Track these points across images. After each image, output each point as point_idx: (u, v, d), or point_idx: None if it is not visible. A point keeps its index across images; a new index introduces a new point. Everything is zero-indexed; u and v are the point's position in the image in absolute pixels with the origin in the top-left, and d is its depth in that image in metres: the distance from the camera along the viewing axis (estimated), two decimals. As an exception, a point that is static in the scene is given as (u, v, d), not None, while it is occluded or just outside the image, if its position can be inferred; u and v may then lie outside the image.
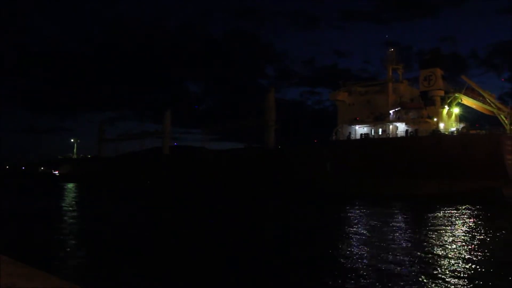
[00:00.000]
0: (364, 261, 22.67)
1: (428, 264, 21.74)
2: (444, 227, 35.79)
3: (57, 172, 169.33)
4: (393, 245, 27.56)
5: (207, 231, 33.42)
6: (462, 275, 19.54)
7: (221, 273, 20.00)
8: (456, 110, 78.42)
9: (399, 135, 75.82)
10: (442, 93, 76.92)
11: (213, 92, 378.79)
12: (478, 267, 21.23)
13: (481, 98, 73.34)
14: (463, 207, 53.03)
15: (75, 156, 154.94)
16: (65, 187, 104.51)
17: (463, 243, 28.32)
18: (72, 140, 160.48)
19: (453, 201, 58.73)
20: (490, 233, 33.13)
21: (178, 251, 25.29)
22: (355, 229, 35.58)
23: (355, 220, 42.93)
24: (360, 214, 48.81)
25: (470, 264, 21.70)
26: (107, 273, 19.73)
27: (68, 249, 26.31)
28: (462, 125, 77.60)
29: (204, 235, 31.38)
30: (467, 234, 32.30)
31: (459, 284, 18.02)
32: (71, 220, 40.53)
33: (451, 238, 30.38)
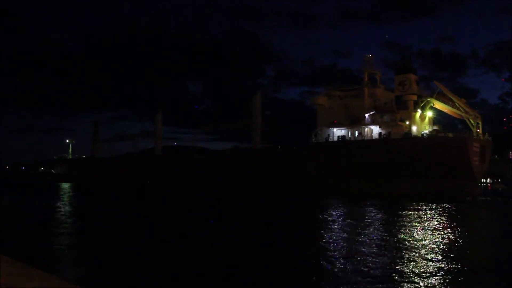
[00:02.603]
0: (341, 258, 24.14)
1: (402, 257, 23.86)
2: (414, 222, 39.73)
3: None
4: (369, 240, 30.11)
5: (198, 231, 34.06)
6: (431, 268, 21.29)
7: (219, 273, 20.37)
8: (429, 114, 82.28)
9: (374, 138, 79.72)
10: (415, 97, 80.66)
11: (212, 92, 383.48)
12: (446, 257, 23.78)
13: (451, 103, 77.10)
14: (433, 205, 56.31)
15: (70, 157, 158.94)
16: (60, 187, 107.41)
17: (430, 235, 31.91)
18: (67, 141, 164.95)
19: (425, 200, 62.12)
20: (455, 227, 37.15)
21: (177, 251, 25.70)
22: (335, 226, 38.32)
23: (334, 217, 45.81)
24: (339, 211, 52.09)
25: (439, 256, 24.06)
26: (107, 273, 19.94)
27: (68, 249, 26.42)
28: (434, 128, 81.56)
29: (199, 235, 31.89)
30: (436, 229, 35.74)
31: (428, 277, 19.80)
32: (69, 220, 40.95)
33: (420, 231, 34.17)
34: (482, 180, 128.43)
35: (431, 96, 79.26)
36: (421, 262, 22.49)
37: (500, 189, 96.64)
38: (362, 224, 37.79)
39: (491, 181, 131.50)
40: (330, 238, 31.03)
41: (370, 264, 21.87)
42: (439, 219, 42.06)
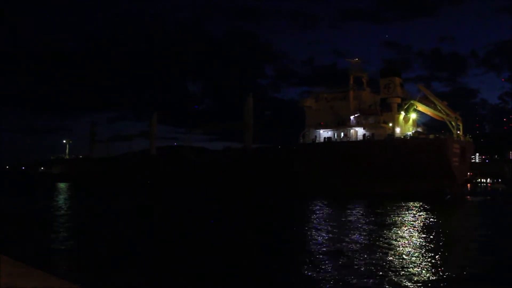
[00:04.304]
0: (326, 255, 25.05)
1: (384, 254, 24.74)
2: (396, 220, 41.85)
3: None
4: (353, 236, 31.60)
5: (198, 231, 34.11)
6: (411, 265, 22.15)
7: (219, 273, 20.50)
8: (413, 116, 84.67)
9: (359, 139, 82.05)
10: (399, 100, 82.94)
11: (212, 92, 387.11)
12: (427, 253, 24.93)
13: (432, 105, 79.51)
14: (416, 204, 58.25)
15: (67, 157, 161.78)
16: (58, 187, 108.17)
17: (412, 232, 33.63)
18: (64, 141, 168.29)
19: (408, 199, 63.53)
20: (434, 224, 39.15)
21: (177, 251, 25.92)
22: (321, 223, 39.71)
23: (321, 215, 47.49)
24: (326, 210, 53.91)
25: (420, 253, 25.08)
26: (107, 273, 19.98)
27: (68, 249, 26.48)
28: (418, 129, 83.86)
29: (199, 235, 32.02)
30: (418, 226, 37.52)
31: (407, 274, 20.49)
32: (69, 220, 41.06)
33: (400, 229, 35.94)
34: (483, 180, 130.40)
35: (414, 99, 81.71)
36: (399, 256, 24.08)
37: (500, 189, 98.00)
38: (353, 224, 39.21)
39: (491, 181, 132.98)
40: (323, 237, 31.99)
41: (362, 262, 22.96)
42: (417, 218, 43.91)
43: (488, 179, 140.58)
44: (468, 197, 74.56)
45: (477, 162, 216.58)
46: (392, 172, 71.45)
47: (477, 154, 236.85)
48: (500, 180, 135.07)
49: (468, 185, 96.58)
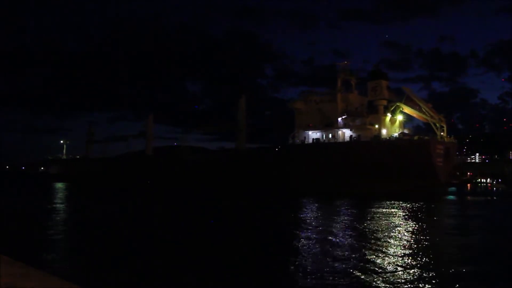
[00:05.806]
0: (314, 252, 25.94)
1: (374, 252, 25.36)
2: (380, 219, 43.37)
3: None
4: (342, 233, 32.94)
5: (198, 231, 34.34)
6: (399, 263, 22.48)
7: (219, 273, 20.56)
8: (400, 117, 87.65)
9: (346, 140, 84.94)
10: (385, 102, 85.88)
11: (211, 92, 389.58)
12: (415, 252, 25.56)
13: (417, 107, 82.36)
14: (403, 203, 60.23)
15: (64, 157, 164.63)
16: (55, 187, 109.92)
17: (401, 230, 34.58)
18: (61, 142, 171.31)
19: (392, 199, 65.42)
20: (420, 222, 40.71)
21: (176, 251, 26.11)
22: (313, 222, 41.01)
23: (314, 213, 49.33)
24: (317, 208, 56.03)
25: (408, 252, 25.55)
26: (107, 273, 20.07)
27: (68, 249, 26.83)
28: (404, 131, 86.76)
29: (199, 235, 32.23)
30: (406, 225, 38.63)
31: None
32: (69, 220, 41.58)
33: (387, 227, 37.12)
34: (483, 180, 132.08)
35: (400, 101, 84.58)
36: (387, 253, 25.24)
37: (500, 189, 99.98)
38: (348, 222, 41.04)
39: (491, 181, 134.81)
40: (320, 235, 32.84)
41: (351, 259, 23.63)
42: (401, 216, 46.23)
43: (488, 179, 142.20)
44: (468, 197, 76.88)
45: (477, 162, 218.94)
46: (381, 172, 73.95)
47: (477, 154, 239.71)
48: (500, 180, 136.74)
49: (468, 185, 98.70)
